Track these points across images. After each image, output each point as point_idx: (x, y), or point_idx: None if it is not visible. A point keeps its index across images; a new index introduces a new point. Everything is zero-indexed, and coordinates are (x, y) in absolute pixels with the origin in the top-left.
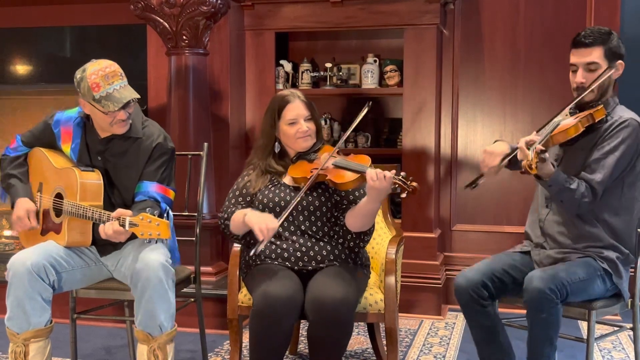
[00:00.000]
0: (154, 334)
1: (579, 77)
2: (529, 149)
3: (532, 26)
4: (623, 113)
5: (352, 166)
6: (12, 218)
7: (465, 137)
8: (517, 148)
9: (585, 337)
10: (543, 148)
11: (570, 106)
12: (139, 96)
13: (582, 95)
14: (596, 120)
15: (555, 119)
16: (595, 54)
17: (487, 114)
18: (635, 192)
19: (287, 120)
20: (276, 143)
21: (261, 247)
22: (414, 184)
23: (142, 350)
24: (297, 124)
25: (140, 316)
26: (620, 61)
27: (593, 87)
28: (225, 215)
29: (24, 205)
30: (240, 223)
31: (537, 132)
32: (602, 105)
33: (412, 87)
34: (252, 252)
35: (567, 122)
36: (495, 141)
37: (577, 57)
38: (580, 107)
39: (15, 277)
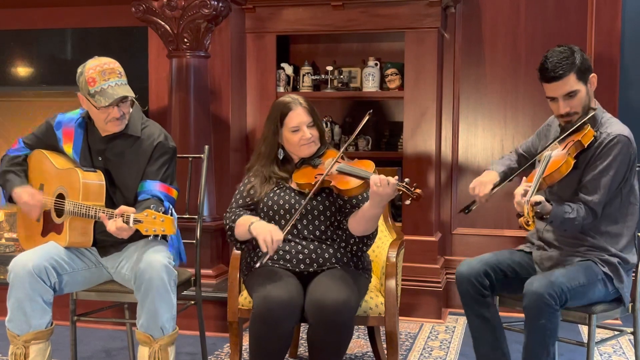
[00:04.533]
0: (156, 336)
1: (563, 109)
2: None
3: (533, 30)
4: (611, 128)
5: (356, 172)
6: (23, 209)
7: (466, 140)
8: (506, 177)
9: (585, 341)
10: (537, 200)
11: (560, 138)
12: (133, 95)
13: (570, 121)
14: (585, 146)
15: (545, 153)
16: (570, 82)
17: (488, 117)
18: (632, 197)
19: (289, 127)
20: (280, 150)
21: (266, 259)
22: (418, 190)
23: (143, 352)
24: (300, 131)
25: (142, 318)
26: (592, 74)
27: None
28: (233, 217)
29: (24, 192)
30: (245, 231)
31: (526, 178)
32: (589, 126)
33: (413, 90)
34: (257, 265)
35: (557, 155)
36: (485, 171)
37: (553, 90)
38: (566, 127)
39: (17, 278)
